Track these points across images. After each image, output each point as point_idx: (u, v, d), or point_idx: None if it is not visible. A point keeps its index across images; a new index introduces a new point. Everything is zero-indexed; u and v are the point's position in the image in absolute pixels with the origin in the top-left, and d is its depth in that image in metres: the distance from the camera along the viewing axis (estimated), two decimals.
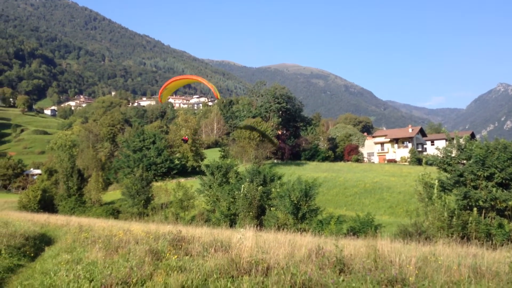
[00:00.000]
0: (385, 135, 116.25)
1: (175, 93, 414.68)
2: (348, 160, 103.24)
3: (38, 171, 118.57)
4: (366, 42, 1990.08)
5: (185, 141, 46.31)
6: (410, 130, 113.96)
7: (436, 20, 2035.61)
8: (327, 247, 10.98)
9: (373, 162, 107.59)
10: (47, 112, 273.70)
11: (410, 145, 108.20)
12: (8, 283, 11.00)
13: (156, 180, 75.65)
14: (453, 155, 28.09)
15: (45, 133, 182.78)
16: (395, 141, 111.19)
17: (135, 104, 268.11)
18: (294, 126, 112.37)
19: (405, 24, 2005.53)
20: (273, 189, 45.23)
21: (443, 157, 28.63)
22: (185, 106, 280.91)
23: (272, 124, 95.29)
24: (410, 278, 8.02)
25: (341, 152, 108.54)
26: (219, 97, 23.84)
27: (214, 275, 9.05)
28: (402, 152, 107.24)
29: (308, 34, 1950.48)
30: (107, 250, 12.66)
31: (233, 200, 45.25)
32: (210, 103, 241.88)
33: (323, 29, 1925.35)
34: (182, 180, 73.28)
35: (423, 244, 15.95)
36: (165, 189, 62.17)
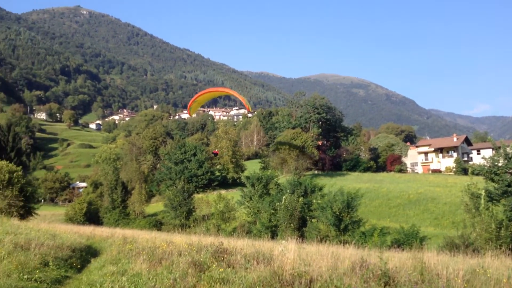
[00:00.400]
0: (429, 145, 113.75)
1: (215, 105, 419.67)
2: (390, 171, 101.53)
3: (84, 184, 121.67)
4: (407, 51, 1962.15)
5: (215, 154, 46.44)
6: (455, 139, 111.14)
7: (479, 27, 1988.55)
8: (371, 260, 10.80)
9: (417, 172, 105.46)
10: (92, 126, 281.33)
11: (455, 154, 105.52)
12: None
13: (198, 192, 76.34)
14: (500, 164, 27.28)
15: (91, 146, 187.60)
16: (439, 150, 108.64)
17: (176, 117, 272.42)
18: (334, 136, 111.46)
19: (447, 32, 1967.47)
20: (314, 201, 44.94)
21: (490, 166, 27.84)
22: (225, 118, 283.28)
23: (312, 134, 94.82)
24: None
25: (383, 162, 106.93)
26: (250, 109, 23.96)
27: (257, 287, 9.03)
28: (447, 162, 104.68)
29: (347, 44, 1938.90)
30: (151, 262, 12.83)
31: (274, 211, 45.17)
32: (249, 115, 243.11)
33: (362, 39, 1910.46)
34: (223, 191, 73.73)
35: (470, 257, 15.49)
36: (206, 201, 62.64)
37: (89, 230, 36.37)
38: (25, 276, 11.92)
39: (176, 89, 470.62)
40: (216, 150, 39.59)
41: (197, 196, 67.14)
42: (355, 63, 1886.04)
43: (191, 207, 60.90)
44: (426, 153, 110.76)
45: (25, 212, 46.33)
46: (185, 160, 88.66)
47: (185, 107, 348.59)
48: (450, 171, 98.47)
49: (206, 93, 22.83)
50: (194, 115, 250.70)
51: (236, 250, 14.01)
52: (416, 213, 56.71)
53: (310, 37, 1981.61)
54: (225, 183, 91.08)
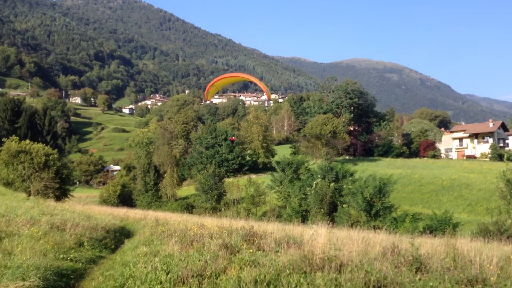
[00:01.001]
0: (463, 130, 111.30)
1: (246, 90, 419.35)
2: (424, 156, 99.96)
3: (118, 167, 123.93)
4: (442, 34, 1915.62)
5: (232, 141, 46.02)
6: (490, 124, 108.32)
7: None
8: (402, 245, 10.69)
9: (451, 158, 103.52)
10: (125, 110, 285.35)
11: (490, 140, 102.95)
12: (90, 274, 11.54)
13: (228, 176, 76.84)
14: None
15: (124, 131, 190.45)
16: (474, 136, 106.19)
17: (208, 102, 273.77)
18: (366, 121, 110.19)
19: (483, 14, 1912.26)
20: (345, 186, 44.69)
21: None
22: (256, 103, 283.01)
23: (343, 120, 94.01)
24: (492, 278, 7.65)
25: (417, 148, 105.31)
26: (270, 97, 23.38)
27: (287, 271, 9.05)
28: (482, 148, 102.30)
29: (381, 28, 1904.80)
30: (183, 244, 12.99)
31: (304, 196, 45.16)
32: (280, 100, 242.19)
33: (396, 23, 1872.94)
34: (253, 176, 74.02)
35: (505, 243, 15.18)
36: (237, 185, 63.04)
37: (122, 212, 37.08)
38: (61, 256, 12.23)
39: (207, 74, 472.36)
40: (233, 137, 38.97)
41: (228, 180, 67.63)
42: (389, 48, 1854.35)
43: (222, 191, 61.42)
44: (460, 139, 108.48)
45: (61, 194, 47.53)
46: (216, 145, 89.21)
47: (216, 92, 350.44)
48: (485, 157, 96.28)
49: (224, 78, 22.21)
50: (223, 100, 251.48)
51: (267, 233, 14.05)
52: (450, 199, 55.87)
53: (343, 22, 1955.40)
54: (256, 168, 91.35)
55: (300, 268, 9.12)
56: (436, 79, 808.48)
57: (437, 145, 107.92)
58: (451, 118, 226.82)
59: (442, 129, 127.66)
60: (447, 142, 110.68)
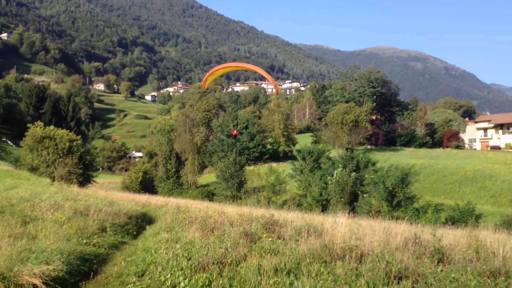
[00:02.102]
0: (488, 120, 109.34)
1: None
2: (447, 147, 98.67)
3: (140, 154, 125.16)
4: (468, 22, 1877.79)
5: (234, 136, 44.52)
6: None
7: None
8: (424, 236, 10.59)
9: (475, 149, 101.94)
10: (148, 98, 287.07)
11: None
12: (112, 259, 11.71)
13: (249, 164, 76.96)
14: None
15: (146, 117, 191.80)
16: (499, 126, 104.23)
17: (229, 89, 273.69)
18: (389, 111, 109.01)
19: (510, 1, 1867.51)
20: (366, 175, 44.42)
21: None
22: None
23: (366, 109, 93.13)
24: None
25: (440, 138, 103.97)
26: (278, 92, 23.15)
27: (307, 259, 9.05)
28: (507, 139, 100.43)
29: (405, 16, 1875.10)
30: (203, 231, 13.09)
31: (325, 185, 45.06)
32: (302, 88, 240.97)
33: (420, 11, 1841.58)
34: (274, 164, 74.04)
35: None
36: (258, 173, 63.13)
37: (144, 198, 37.49)
38: (84, 241, 12.44)
39: (229, 61, 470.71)
40: (235, 131, 37.81)
41: (249, 169, 67.75)
42: (413, 36, 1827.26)
43: (243, 179, 61.59)
44: (485, 129, 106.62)
45: (84, 180, 48.21)
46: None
47: (238, 79, 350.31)
48: (510, 148, 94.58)
49: (226, 67, 21.81)
50: (244, 88, 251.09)
51: (287, 222, 14.07)
52: (473, 190, 55.15)
53: (367, 9, 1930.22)
54: (276, 156, 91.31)
55: (320, 257, 9.11)
56: (461, 68, 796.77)
57: (461, 135, 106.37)
58: (476, 108, 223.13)
59: (467, 119, 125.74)
60: (471, 133, 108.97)
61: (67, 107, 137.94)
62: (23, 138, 48.06)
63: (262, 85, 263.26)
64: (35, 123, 47.69)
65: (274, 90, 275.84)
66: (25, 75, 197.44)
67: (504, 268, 7.63)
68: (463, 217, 33.79)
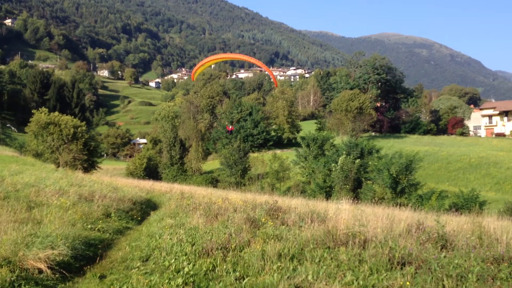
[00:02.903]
0: (493, 108, 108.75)
1: (272, 65, 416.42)
2: (452, 134, 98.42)
3: (144, 141, 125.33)
4: (474, 8, 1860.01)
5: (230, 132, 41.88)
6: None
7: None
8: (427, 223, 10.59)
9: (480, 136, 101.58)
10: (152, 84, 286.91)
11: None
12: (117, 244, 11.78)
13: (253, 151, 77.02)
14: None
15: (150, 104, 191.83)
16: (504, 113, 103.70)
17: (233, 76, 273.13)
18: (394, 98, 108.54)
19: None
20: (370, 162, 44.37)
21: None
22: (282, 78, 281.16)
23: (370, 96, 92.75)
24: None
25: (445, 125, 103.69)
26: (277, 85, 22.32)
27: (311, 245, 9.08)
28: None
29: (410, 1, 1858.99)
30: (207, 217, 13.14)
31: (328, 172, 45.06)
32: (307, 75, 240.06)
33: None
34: (278, 151, 74.07)
35: None
36: (262, 160, 63.21)
37: (148, 184, 37.63)
38: (89, 226, 12.51)
39: (233, 48, 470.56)
40: (230, 127, 35.62)
41: (253, 155, 67.82)
42: (419, 22, 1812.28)
43: (247, 165, 61.69)
44: (490, 116, 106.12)
45: (89, 166, 48.36)
46: (241, 120, 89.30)
47: (242, 66, 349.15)
48: None
49: (219, 59, 20.57)
50: (248, 75, 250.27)
51: (291, 208, 14.09)
52: (477, 178, 55.12)
53: None
54: (280, 143, 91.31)
55: (323, 243, 9.14)
56: (467, 55, 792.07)
57: (466, 122, 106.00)
58: (481, 95, 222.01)
59: (472, 106, 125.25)
60: (476, 120, 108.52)
61: (71, 93, 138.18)
62: (28, 124, 48.15)
63: (266, 72, 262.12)
64: (40, 109, 47.75)
65: (277, 79, 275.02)
66: (29, 61, 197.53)
67: (507, 255, 7.64)
68: (467, 204, 33.76)
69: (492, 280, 6.71)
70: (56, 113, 47.90)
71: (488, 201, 38.45)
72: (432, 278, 6.79)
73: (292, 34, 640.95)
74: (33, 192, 15.10)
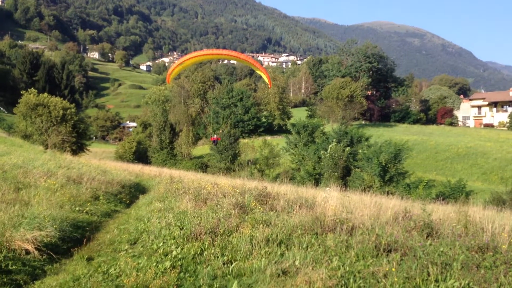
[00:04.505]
0: (483, 98, 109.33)
1: (264, 51, 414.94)
2: (441, 124, 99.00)
3: (134, 124, 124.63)
4: None
5: (215, 141, 38.61)
6: (511, 93, 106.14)
7: None
8: (414, 211, 10.71)
9: (468, 126, 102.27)
10: (143, 67, 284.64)
11: (510, 109, 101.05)
12: (105, 227, 11.79)
13: (243, 137, 76.95)
14: None
15: (141, 87, 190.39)
16: (493, 104, 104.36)
17: (225, 61, 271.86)
18: (385, 86, 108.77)
19: None
20: (360, 151, 44.57)
21: None
22: (274, 64, 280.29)
23: (361, 84, 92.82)
24: (503, 246, 7.65)
25: (434, 115, 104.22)
26: (271, 86, 18.50)
27: (299, 231, 9.16)
28: (500, 117, 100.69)
29: None
30: (197, 201, 13.16)
31: (318, 159, 45.23)
32: (299, 62, 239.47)
33: None
34: (268, 138, 74.06)
35: None
36: (252, 146, 63.18)
37: (137, 168, 37.58)
38: (77, 208, 12.49)
39: (226, 33, 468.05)
40: (215, 136, 33.57)
41: (243, 141, 67.77)
42: (412, 11, 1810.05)
43: (237, 151, 61.66)
44: (479, 107, 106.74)
45: (77, 148, 48.18)
46: (232, 105, 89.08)
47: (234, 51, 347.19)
48: (503, 126, 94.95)
49: (201, 56, 16.66)
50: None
51: (279, 195, 14.16)
52: (464, 168, 55.61)
53: None
54: (271, 130, 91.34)
55: (311, 229, 9.22)
56: (458, 45, 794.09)
57: (455, 112, 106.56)
58: (471, 86, 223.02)
59: (461, 96, 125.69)
60: (465, 110, 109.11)
61: (61, 75, 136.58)
62: (17, 105, 47.76)
63: (258, 58, 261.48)
64: (29, 90, 47.34)
65: (270, 64, 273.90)
66: (19, 42, 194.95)
67: (492, 244, 7.74)
68: (454, 193, 34.10)
69: (476, 268, 6.80)
70: (45, 94, 47.51)
71: (475, 191, 38.84)
72: (417, 265, 6.87)
73: (285, 20, 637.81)
74: (21, 173, 15.02)
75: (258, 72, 16.47)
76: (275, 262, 7.64)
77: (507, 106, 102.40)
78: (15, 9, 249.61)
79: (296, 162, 52.73)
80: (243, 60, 16.14)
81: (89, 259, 8.52)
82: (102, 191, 16.06)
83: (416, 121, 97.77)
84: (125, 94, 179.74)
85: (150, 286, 6.51)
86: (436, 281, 6.51)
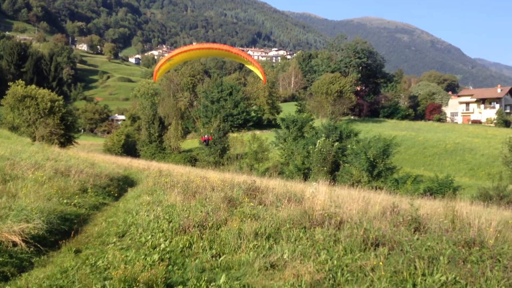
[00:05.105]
0: (471, 95, 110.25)
1: (254, 45, 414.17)
2: (429, 119, 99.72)
3: (122, 117, 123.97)
4: None
5: (206, 141, 35.49)
6: (499, 90, 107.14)
7: None
8: (402, 206, 10.77)
9: (456, 123, 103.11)
10: (132, 60, 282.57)
11: (497, 106, 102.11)
12: (93, 219, 11.75)
13: (233, 131, 76.90)
14: None
15: (130, 80, 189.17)
16: (481, 101, 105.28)
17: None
18: (374, 82, 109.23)
19: None
20: (349, 146, 44.74)
21: None
22: (264, 58, 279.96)
23: (351, 79, 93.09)
24: (489, 241, 7.73)
25: (423, 111, 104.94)
26: (265, 82, 16.51)
27: (287, 225, 9.18)
28: (488, 113, 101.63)
29: None
30: (185, 195, 13.14)
31: (307, 154, 45.34)
32: (289, 56, 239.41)
33: None
34: (257, 132, 74.09)
35: (504, 208, 15.26)
36: (241, 140, 63.19)
37: (126, 161, 37.41)
38: (65, 201, 12.42)
39: (216, 26, 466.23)
40: (206, 136, 31.22)
41: (232, 135, 67.72)
42: (401, 7, 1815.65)
43: (226, 145, 61.62)
44: (467, 103, 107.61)
45: (65, 141, 47.83)
46: (221, 99, 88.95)
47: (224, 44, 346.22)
48: (491, 123, 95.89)
49: (194, 49, 14.98)
50: None
51: (268, 189, 14.16)
52: (452, 163, 56.07)
53: None
54: (260, 124, 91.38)
55: (300, 223, 9.25)
56: (447, 41, 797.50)
57: (444, 108, 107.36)
58: (459, 82, 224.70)
59: (450, 92, 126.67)
60: (453, 106, 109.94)
61: (49, 66, 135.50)
62: (4, 97, 47.26)
63: (248, 52, 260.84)
64: (16, 81, 46.88)
65: (260, 59, 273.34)
66: (7, 33, 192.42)
67: (479, 238, 7.81)
68: (441, 188, 34.41)
69: (463, 263, 6.87)
70: (33, 86, 47.12)
71: (462, 187, 39.23)
72: (404, 259, 6.93)
73: (275, 15, 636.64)
74: (8, 165, 14.88)
75: (250, 67, 15.60)
76: (263, 256, 7.66)
77: (495, 103, 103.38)
78: (2, 0, 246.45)
79: (285, 157, 52.81)
80: (235, 55, 14.95)
81: (77, 252, 8.48)
82: (90, 183, 15.99)
83: (404, 117, 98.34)
84: (114, 87, 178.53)
85: (138, 279, 6.49)
86: (423, 275, 6.57)
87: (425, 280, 6.45)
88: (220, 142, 60.57)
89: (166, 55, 15.74)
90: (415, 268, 6.71)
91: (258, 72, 15.22)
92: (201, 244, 8.37)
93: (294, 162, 47.16)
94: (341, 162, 44.07)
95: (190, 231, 9.05)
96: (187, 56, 15.43)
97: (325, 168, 41.82)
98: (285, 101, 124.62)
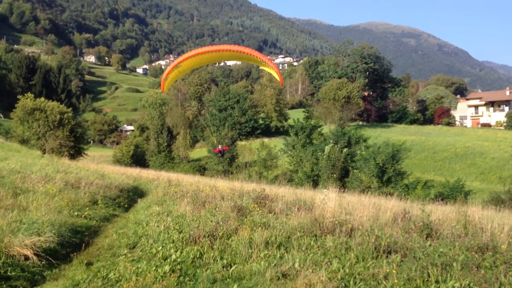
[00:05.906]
0: (480, 98, 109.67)
1: (261, 52, 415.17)
2: (438, 124, 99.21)
3: (131, 127, 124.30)
4: None
5: (221, 152, 33.99)
6: (507, 92, 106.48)
7: None
8: (413, 212, 10.70)
9: (466, 126, 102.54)
10: (139, 70, 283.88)
11: (507, 108, 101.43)
12: (104, 231, 11.76)
13: (241, 139, 76.89)
14: None
15: (138, 91, 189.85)
16: (490, 104, 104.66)
17: (222, 63, 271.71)
18: (381, 87, 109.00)
19: None
20: (358, 152, 44.61)
21: None
22: None
23: (358, 85, 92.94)
24: (502, 246, 7.65)
25: (431, 115, 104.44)
26: (282, 83, 15.37)
27: (298, 233, 9.14)
28: (497, 116, 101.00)
29: None
30: (195, 205, 13.13)
31: (316, 161, 45.24)
32: (295, 63, 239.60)
33: None
34: (266, 140, 74.07)
35: None
36: (249, 148, 63.17)
37: (135, 172, 37.50)
38: (75, 213, 12.45)
39: (222, 35, 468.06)
40: (220, 147, 29.59)
41: (240, 144, 67.72)
42: (407, 11, 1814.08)
43: (234, 154, 61.60)
44: (476, 107, 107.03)
45: (75, 152, 48.01)
46: (228, 107, 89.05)
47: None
48: (500, 126, 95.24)
49: (205, 52, 14.14)
50: (237, 62, 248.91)
51: (278, 197, 14.14)
52: (462, 167, 55.67)
53: None
54: (268, 131, 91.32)
55: (310, 231, 9.21)
56: (454, 45, 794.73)
57: (452, 112, 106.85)
58: (467, 85, 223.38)
59: (458, 96, 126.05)
60: (462, 110, 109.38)
61: (57, 79, 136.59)
62: (13, 110, 47.60)
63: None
64: (25, 94, 47.17)
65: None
66: (15, 46, 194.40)
67: (491, 244, 7.74)
68: (453, 193, 34.16)
69: (476, 269, 6.80)
70: (42, 98, 47.40)
71: (473, 191, 38.92)
72: (417, 266, 6.87)
73: (281, 22, 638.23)
74: (19, 179, 14.95)
75: (265, 68, 14.72)
76: (275, 265, 7.62)
77: (504, 106, 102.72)
78: (10, 13, 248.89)
79: (294, 164, 52.72)
80: (248, 56, 13.86)
81: (88, 264, 8.49)
82: (100, 195, 16.01)
83: (413, 122, 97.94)
84: (122, 98, 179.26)
85: None
86: (437, 282, 6.51)
87: (439, 287, 6.39)
88: (228, 150, 60.61)
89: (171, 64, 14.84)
90: (428, 275, 6.65)
91: (273, 72, 14.49)
92: (211, 254, 8.35)
93: (303, 169, 47.06)
94: (350, 168, 43.92)
95: (200, 241, 9.03)
96: (196, 61, 14.66)
97: (334, 175, 41.71)
98: (292, 108, 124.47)
